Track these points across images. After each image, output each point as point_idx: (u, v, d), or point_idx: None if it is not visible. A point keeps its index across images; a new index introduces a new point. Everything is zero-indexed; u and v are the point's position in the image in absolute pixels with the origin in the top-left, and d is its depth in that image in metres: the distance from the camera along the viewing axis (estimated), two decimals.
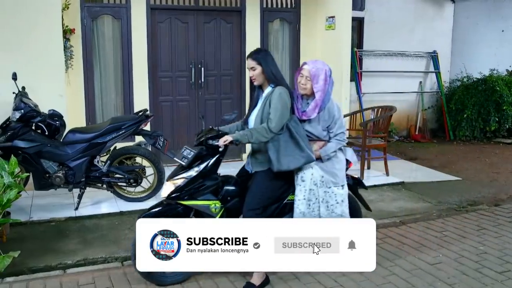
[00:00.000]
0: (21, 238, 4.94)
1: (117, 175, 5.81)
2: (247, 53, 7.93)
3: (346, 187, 4.10)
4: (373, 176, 7.45)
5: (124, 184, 5.89)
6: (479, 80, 10.79)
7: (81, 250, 4.71)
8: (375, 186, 6.98)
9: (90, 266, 4.41)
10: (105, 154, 5.83)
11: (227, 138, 3.77)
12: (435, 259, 4.58)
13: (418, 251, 4.77)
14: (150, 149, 5.97)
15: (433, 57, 11.28)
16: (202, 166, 3.88)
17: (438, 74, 11.30)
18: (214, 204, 3.94)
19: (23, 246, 4.55)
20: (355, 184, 4.42)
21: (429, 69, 11.39)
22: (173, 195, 3.86)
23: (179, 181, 3.86)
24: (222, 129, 4.11)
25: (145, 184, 6.05)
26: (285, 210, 4.12)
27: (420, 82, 11.32)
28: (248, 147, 4.47)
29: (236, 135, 3.81)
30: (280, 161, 3.82)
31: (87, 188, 5.82)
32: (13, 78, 5.59)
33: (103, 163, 5.74)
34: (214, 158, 3.92)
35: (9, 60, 6.08)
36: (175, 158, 4.03)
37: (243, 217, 3.92)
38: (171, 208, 3.93)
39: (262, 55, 3.97)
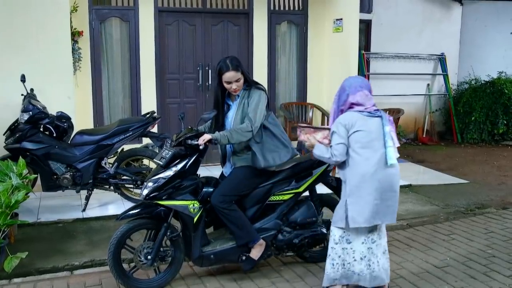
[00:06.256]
0: (28, 239, 4.95)
1: (124, 177, 5.82)
2: (255, 54, 8.11)
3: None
4: None
5: (131, 185, 5.90)
6: (487, 82, 10.77)
7: (88, 251, 4.72)
8: None
9: (97, 268, 4.41)
10: (112, 156, 5.85)
11: (206, 137, 3.72)
12: (443, 262, 4.55)
13: (425, 254, 4.75)
14: (157, 151, 5.96)
15: (441, 59, 11.24)
16: (180, 165, 3.82)
17: (446, 77, 11.26)
18: (193, 204, 3.87)
19: (31, 247, 4.56)
20: (339, 186, 4.30)
21: (436, 72, 11.36)
22: (151, 195, 3.79)
23: (157, 181, 3.80)
24: (199, 129, 4.11)
25: None
26: (268, 211, 4.11)
27: (428, 84, 11.29)
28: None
29: (215, 134, 3.77)
30: (266, 158, 3.87)
31: (95, 189, 5.83)
32: (21, 80, 5.62)
33: (111, 165, 5.75)
34: (193, 158, 3.87)
35: (18, 62, 6.13)
36: (154, 159, 3.99)
37: (212, 201, 3.89)
38: (150, 209, 3.87)
39: (239, 63, 3.93)
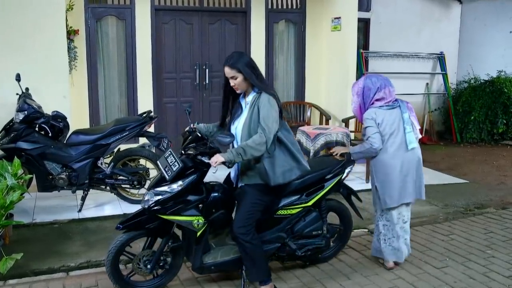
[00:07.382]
0: (24, 240, 4.92)
1: (120, 177, 5.78)
2: (253, 53, 8.07)
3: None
4: None
5: (128, 186, 5.86)
6: (487, 81, 10.74)
7: (84, 252, 4.68)
8: None
9: (93, 269, 4.38)
10: (108, 155, 5.81)
11: (219, 159, 3.46)
12: (442, 263, 4.52)
13: (424, 254, 4.71)
14: (154, 151, 5.94)
15: (440, 58, 11.21)
16: (187, 180, 3.64)
17: (445, 76, 11.23)
18: (197, 220, 3.70)
19: (26, 248, 4.50)
20: (349, 194, 4.48)
21: (435, 71, 11.33)
22: (155, 208, 3.61)
23: (162, 193, 3.62)
24: (198, 127, 3.92)
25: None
26: (273, 224, 3.98)
27: (427, 83, 11.26)
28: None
29: (228, 155, 3.46)
30: (276, 174, 3.62)
31: (91, 190, 5.79)
32: (16, 79, 5.59)
33: (107, 165, 5.72)
34: (200, 172, 3.70)
35: (13, 61, 6.09)
36: (158, 162, 3.82)
37: (234, 234, 3.67)
38: (152, 221, 3.71)
39: (239, 60, 3.68)
